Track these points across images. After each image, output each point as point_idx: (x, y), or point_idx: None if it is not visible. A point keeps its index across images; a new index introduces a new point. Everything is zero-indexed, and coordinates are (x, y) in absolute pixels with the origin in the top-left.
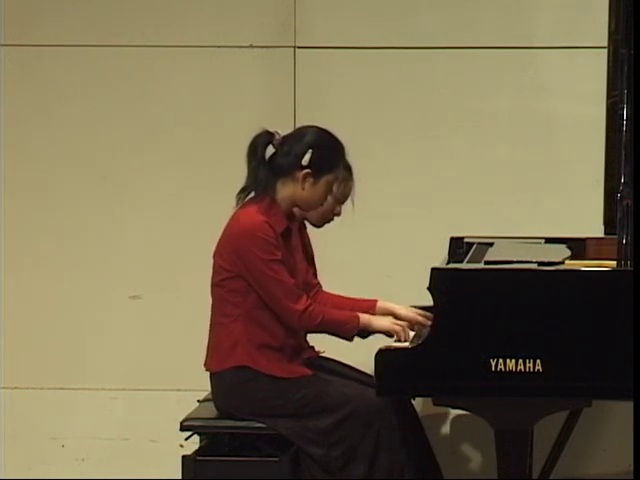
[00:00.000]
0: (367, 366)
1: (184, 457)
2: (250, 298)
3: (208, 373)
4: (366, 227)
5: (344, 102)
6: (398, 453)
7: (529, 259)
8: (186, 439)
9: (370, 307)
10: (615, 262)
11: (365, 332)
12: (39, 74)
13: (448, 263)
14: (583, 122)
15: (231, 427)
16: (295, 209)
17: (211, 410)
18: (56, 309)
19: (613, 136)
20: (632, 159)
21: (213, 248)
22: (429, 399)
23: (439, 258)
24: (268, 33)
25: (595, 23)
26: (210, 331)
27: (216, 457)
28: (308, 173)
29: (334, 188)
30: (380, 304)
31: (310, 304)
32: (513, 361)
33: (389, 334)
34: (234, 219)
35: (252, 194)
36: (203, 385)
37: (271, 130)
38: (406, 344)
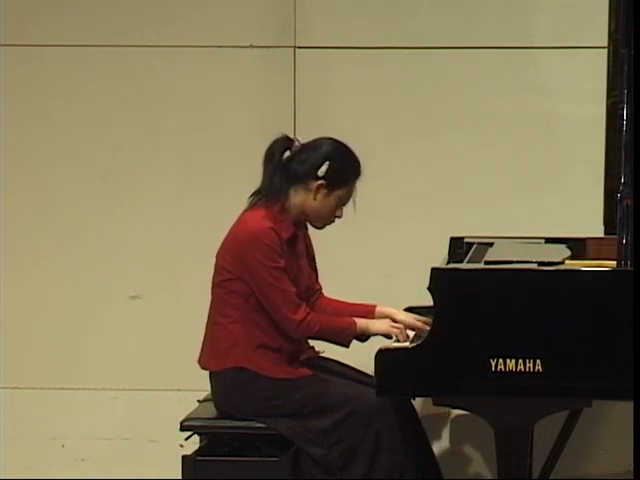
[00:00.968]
0: (367, 366)
1: (184, 457)
2: (250, 301)
3: (208, 373)
4: (366, 227)
5: (344, 102)
6: (398, 453)
7: (529, 259)
8: (186, 439)
9: (369, 312)
10: (615, 262)
11: (364, 336)
12: (39, 74)
13: (448, 263)
14: (583, 122)
15: (231, 427)
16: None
17: (211, 410)
18: (56, 309)
19: (613, 136)
20: (632, 159)
21: (213, 248)
22: (429, 399)
23: (439, 258)
24: (268, 33)
25: (595, 23)
26: (207, 329)
27: (216, 457)
28: (322, 184)
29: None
30: (379, 309)
31: (308, 313)
32: (513, 361)
33: (388, 336)
34: (241, 221)
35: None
36: (203, 385)
37: (291, 137)
38: (406, 344)
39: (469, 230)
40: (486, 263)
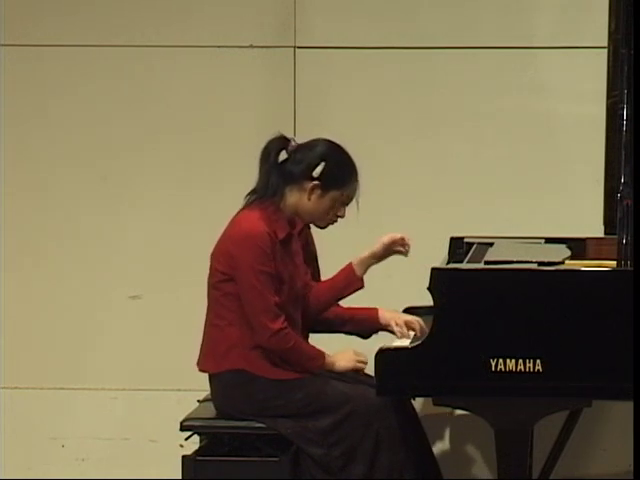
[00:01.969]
0: (367, 366)
1: (184, 457)
2: None
3: (208, 375)
4: (366, 227)
5: (344, 102)
6: (398, 453)
7: (529, 259)
8: (186, 439)
9: (370, 316)
10: (615, 262)
11: (365, 333)
12: (39, 74)
13: (448, 263)
14: (583, 122)
15: (231, 427)
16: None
17: (211, 410)
18: (56, 309)
19: (613, 136)
20: (632, 159)
21: (213, 248)
22: (429, 399)
23: (439, 258)
24: (268, 33)
25: (595, 23)
26: (205, 331)
27: (216, 457)
28: (317, 185)
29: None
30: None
31: (286, 327)
32: (513, 361)
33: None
34: (236, 222)
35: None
36: (203, 385)
37: (287, 136)
38: (406, 344)
39: (469, 230)
40: (486, 263)
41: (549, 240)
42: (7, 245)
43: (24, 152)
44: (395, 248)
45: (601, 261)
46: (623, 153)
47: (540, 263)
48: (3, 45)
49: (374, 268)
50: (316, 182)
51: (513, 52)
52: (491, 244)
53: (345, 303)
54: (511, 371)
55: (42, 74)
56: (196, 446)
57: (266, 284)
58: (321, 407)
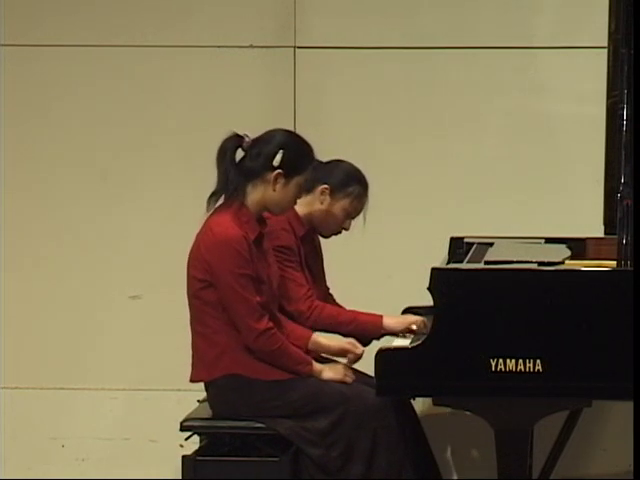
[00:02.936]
0: (367, 366)
1: (184, 457)
2: None
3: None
4: (366, 227)
5: (344, 102)
6: (396, 453)
7: (529, 259)
8: (186, 439)
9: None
10: (615, 262)
11: (365, 339)
12: (39, 74)
13: (448, 263)
14: (583, 122)
15: (231, 427)
16: (305, 217)
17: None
18: (56, 309)
19: (613, 136)
20: (632, 159)
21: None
22: (429, 399)
23: (439, 258)
24: (268, 33)
25: (595, 23)
26: (192, 341)
27: (216, 457)
28: (280, 174)
29: (347, 204)
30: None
31: (272, 327)
32: (513, 361)
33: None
34: (207, 229)
35: (222, 199)
36: (203, 385)
37: (240, 133)
38: (406, 344)
39: (469, 230)
40: (486, 263)
41: (549, 240)
42: (7, 245)
43: (24, 152)
44: (347, 355)
45: (601, 261)
46: (623, 153)
47: (540, 263)
48: (3, 45)
49: (374, 268)
50: (278, 171)
51: (513, 52)
52: (491, 244)
53: (346, 304)
54: (511, 371)
55: (42, 74)
56: (196, 446)
57: (247, 287)
58: (319, 407)
